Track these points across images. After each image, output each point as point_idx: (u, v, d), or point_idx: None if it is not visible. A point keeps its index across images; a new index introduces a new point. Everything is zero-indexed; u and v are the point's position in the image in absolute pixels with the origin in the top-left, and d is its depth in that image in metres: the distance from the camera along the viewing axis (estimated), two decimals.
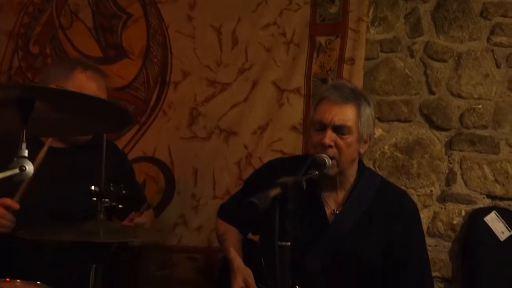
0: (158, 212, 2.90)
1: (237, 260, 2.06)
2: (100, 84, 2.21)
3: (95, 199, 1.73)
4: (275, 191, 1.19)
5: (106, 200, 1.73)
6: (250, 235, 2.28)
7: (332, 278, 1.97)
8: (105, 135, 1.78)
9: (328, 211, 2.02)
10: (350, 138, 1.94)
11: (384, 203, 2.03)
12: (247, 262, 2.07)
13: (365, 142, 2.01)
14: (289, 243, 1.23)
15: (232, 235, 2.19)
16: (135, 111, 2.92)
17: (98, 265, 1.74)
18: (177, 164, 2.90)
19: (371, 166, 2.80)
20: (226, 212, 2.28)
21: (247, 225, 2.21)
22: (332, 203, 2.04)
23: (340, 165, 1.95)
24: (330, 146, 1.91)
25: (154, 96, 2.92)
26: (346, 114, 1.93)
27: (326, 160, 1.86)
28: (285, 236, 1.22)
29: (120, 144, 2.89)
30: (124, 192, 1.75)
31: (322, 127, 1.93)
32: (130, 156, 2.89)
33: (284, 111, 2.83)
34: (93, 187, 1.73)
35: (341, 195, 2.04)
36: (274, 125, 2.83)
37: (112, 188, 1.73)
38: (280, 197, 1.20)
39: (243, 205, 1.10)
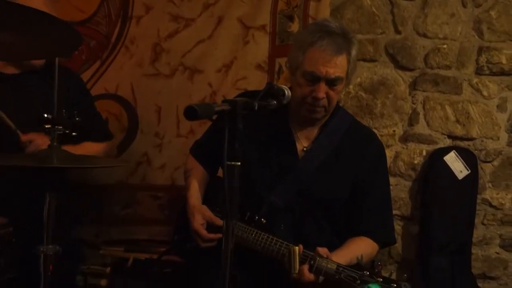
0: (121, 151, 2.87)
1: (192, 198, 2.07)
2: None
3: (48, 126, 1.69)
4: (222, 106, 1.17)
5: (59, 127, 1.69)
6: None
7: (298, 212, 1.99)
8: (57, 59, 1.72)
9: (299, 147, 2.03)
10: (340, 87, 1.93)
11: (353, 142, 2.04)
12: (214, 200, 2.07)
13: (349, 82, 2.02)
14: (239, 163, 1.21)
15: (196, 172, 2.18)
16: (97, 47, 2.84)
17: (52, 194, 1.71)
18: (140, 101, 2.86)
19: None
20: (195, 149, 2.27)
21: (213, 162, 2.19)
22: (304, 139, 2.04)
23: (327, 110, 1.97)
24: (322, 98, 1.90)
25: (116, 31, 2.83)
26: (340, 66, 1.88)
27: (286, 91, 1.83)
28: (234, 156, 1.21)
29: None
30: (78, 119, 1.71)
31: (315, 79, 1.88)
32: (92, 94, 2.83)
33: (249, 49, 2.79)
34: (45, 115, 1.69)
35: (313, 132, 2.04)
36: (239, 63, 2.79)
37: (65, 115, 1.69)
38: (227, 113, 1.18)
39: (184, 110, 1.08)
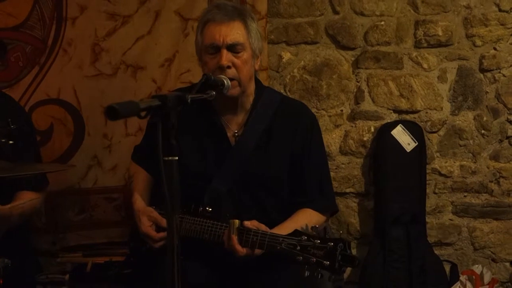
0: (69, 156, 2.83)
1: (137, 202, 2.06)
2: None
3: None
4: (151, 102, 1.16)
5: None
6: None
7: (240, 197, 2.00)
8: None
9: (229, 134, 2.02)
10: (245, 55, 1.93)
11: (283, 119, 2.05)
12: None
13: (257, 57, 2.01)
14: (176, 158, 1.20)
15: (139, 177, 2.17)
16: (33, 52, 2.77)
17: None
18: (84, 104, 2.81)
19: (282, 91, 2.81)
20: (137, 154, 2.25)
21: (154, 164, 2.16)
22: (233, 125, 2.03)
23: (241, 84, 1.94)
24: (229, 67, 1.89)
25: (52, 34, 2.76)
26: (236, 32, 1.91)
27: (225, 81, 1.83)
28: (171, 151, 1.20)
29: (21, 88, 2.76)
30: (13, 126, 1.67)
31: (216, 49, 1.90)
32: (33, 100, 2.78)
33: (190, 41, 2.73)
34: None
35: (241, 116, 2.03)
36: (181, 56, 2.78)
37: None
38: (158, 108, 1.16)
39: (104, 110, 1.06)
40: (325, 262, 1.62)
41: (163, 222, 1.93)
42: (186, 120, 1.96)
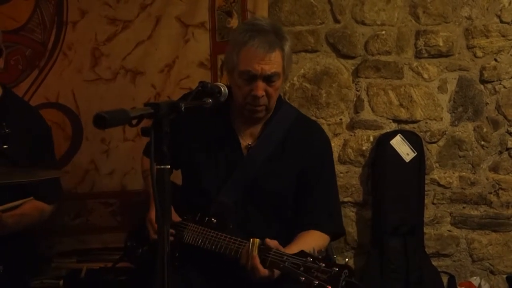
0: (67, 160, 2.81)
1: None
2: None
3: None
4: (142, 110, 1.15)
5: None
6: None
7: (246, 209, 1.99)
8: None
9: (243, 145, 2.01)
10: (279, 83, 1.92)
11: (298, 135, 2.04)
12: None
13: (287, 78, 2.01)
14: (168, 166, 1.19)
15: None
16: (33, 55, 2.77)
17: None
18: (83, 108, 2.80)
19: None
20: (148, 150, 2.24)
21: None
22: (248, 136, 2.03)
23: (269, 108, 1.96)
24: (262, 96, 1.89)
25: (52, 38, 2.76)
26: (274, 62, 1.87)
27: (222, 88, 1.82)
28: (164, 159, 1.19)
29: (19, 90, 2.75)
30: (7, 131, 1.66)
31: (252, 78, 1.87)
32: (32, 104, 2.75)
33: (190, 47, 2.76)
34: None
35: (257, 128, 2.03)
36: (181, 62, 2.77)
37: None
38: (150, 117, 1.15)
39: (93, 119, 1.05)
40: (328, 286, 1.60)
41: (175, 217, 1.96)
42: (202, 128, 2.00)
